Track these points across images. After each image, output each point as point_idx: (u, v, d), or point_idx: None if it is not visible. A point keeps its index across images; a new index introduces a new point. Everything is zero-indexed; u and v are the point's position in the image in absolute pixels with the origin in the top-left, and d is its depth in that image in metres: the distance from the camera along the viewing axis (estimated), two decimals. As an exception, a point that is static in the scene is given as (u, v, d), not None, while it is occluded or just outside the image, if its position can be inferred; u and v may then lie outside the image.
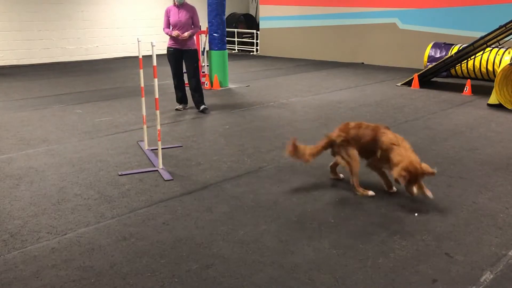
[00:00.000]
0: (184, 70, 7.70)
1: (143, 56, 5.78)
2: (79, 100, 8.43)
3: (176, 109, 7.77)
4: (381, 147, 4.13)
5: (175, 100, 7.84)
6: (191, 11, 7.47)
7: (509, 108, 7.74)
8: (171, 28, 7.43)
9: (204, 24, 10.28)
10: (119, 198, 4.12)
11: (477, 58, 10.11)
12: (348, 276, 2.95)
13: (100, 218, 3.74)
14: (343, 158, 4.27)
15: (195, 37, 7.84)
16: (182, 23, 7.36)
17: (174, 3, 7.43)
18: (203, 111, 7.62)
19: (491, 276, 2.95)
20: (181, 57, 7.51)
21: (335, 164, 4.54)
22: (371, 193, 4.23)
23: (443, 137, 6.18)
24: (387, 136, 4.14)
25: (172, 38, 7.37)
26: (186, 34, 7.28)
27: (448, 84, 10.36)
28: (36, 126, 6.64)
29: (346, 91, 9.62)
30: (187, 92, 7.86)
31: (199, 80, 7.77)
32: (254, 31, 17.79)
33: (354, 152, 4.23)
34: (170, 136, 6.14)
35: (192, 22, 7.46)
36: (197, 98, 7.73)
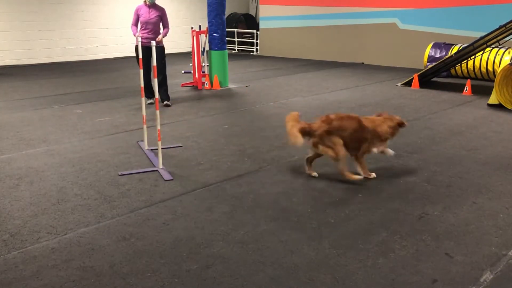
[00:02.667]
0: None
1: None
2: (79, 100, 8.43)
3: (150, 103, 7.76)
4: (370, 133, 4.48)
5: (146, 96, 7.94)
6: (161, 11, 7.74)
7: (509, 108, 7.74)
8: (139, 26, 7.68)
9: (204, 24, 10.28)
10: (119, 198, 4.12)
11: (477, 58, 10.11)
12: (348, 276, 2.94)
13: (100, 218, 3.74)
14: (326, 146, 4.39)
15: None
16: (152, 22, 7.63)
17: (145, 2, 7.66)
18: (166, 106, 7.95)
19: (491, 276, 2.95)
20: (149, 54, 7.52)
21: (313, 157, 4.67)
22: (359, 177, 4.44)
23: (443, 137, 6.18)
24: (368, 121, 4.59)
25: (142, 35, 7.51)
26: (160, 37, 7.64)
27: (448, 84, 10.36)
28: (36, 126, 6.64)
29: (346, 91, 9.62)
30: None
31: (165, 76, 8.12)
32: (254, 31, 17.79)
33: (338, 140, 4.36)
34: (170, 136, 6.13)
35: (162, 22, 7.75)
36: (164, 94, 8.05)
